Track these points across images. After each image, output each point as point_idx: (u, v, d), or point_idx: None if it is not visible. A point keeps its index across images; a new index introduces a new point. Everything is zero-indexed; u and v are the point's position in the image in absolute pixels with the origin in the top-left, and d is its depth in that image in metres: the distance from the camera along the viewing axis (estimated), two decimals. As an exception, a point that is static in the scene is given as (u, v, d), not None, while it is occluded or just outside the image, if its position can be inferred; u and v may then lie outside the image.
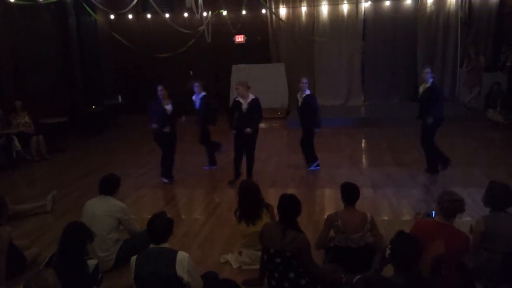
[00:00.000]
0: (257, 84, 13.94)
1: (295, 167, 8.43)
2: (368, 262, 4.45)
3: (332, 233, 4.53)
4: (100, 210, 4.67)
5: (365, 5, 14.15)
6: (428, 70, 7.35)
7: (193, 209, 6.79)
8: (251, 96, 7.31)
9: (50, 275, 2.90)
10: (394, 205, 6.37)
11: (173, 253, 3.48)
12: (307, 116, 7.82)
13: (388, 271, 3.50)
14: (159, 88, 7.48)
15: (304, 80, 7.70)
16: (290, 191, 6.22)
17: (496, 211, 4.15)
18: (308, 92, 7.77)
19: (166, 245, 3.56)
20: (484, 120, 11.18)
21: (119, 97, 14.38)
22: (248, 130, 7.17)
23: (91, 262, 3.80)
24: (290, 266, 3.75)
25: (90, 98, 12.98)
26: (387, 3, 14.01)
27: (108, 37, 13.43)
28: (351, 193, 4.49)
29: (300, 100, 7.85)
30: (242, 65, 14.21)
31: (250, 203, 4.67)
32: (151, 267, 3.41)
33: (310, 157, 8.17)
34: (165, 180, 7.75)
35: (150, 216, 3.66)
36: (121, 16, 14.18)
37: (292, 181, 7.66)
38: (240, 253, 4.80)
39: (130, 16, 14.97)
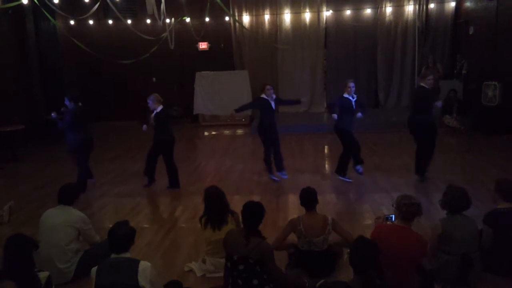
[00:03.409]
0: (221, 91, 14.04)
1: (260, 174, 8.46)
2: (332, 266, 4.53)
3: (295, 238, 4.59)
4: (59, 220, 4.53)
5: (326, 14, 14.41)
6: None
7: (157, 217, 6.71)
8: (158, 108, 7.42)
9: (9, 287, 2.81)
10: (356, 210, 6.49)
11: (135, 262, 3.42)
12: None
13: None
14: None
15: (351, 84, 7.43)
16: (254, 198, 6.30)
17: (453, 214, 4.30)
18: (346, 95, 7.48)
19: (127, 254, 3.49)
20: (441, 126, 11.53)
21: (80, 104, 14.01)
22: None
23: (43, 274, 3.68)
24: (253, 272, 3.76)
25: (49, 105, 12.60)
26: (348, 12, 14.32)
27: (69, 43, 13.10)
28: (309, 198, 4.59)
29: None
30: (205, 72, 14.21)
31: (216, 209, 4.67)
32: (112, 278, 3.34)
33: (340, 164, 7.81)
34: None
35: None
36: (81, 22, 13.91)
37: (256, 188, 7.68)
38: (204, 261, 4.77)
39: (91, 22, 14.71)
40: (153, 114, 7.42)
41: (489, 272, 4.36)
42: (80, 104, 7.59)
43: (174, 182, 7.79)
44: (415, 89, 7.52)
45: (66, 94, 7.53)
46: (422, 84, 7.36)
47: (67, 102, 7.46)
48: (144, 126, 7.56)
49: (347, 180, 7.73)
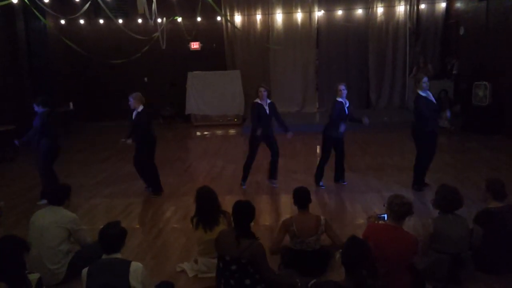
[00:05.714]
0: (214, 91, 14.01)
1: (252, 174, 8.41)
2: (324, 265, 4.53)
3: (287, 238, 4.59)
4: (48, 221, 4.49)
5: (318, 14, 14.45)
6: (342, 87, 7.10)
7: (148, 218, 6.67)
8: (139, 108, 7.10)
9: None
10: (348, 209, 6.51)
11: (126, 263, 3.40)
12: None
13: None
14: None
15: (342, 86, 7.08)
16: (247, 198, 6.28)
17: (445, 213, 4.32)
18: (339, 99, 7.16)
19: (118, 255, 3.48)
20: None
21: (70, 104, 13.94)
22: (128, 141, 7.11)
23: (33, 276, 3.64)
24: (246, 273, 3.75)
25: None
26: (339, 13, 14.36)
27: (59, 42, 13.03)
28: (303, 197, 4.60)
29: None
30: (197, 72, 14.18)
31: (208, 209, 4.65)
32: (103, 279, 3.31)
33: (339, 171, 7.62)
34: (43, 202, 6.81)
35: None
36: (72, 22, 13.81)
37: (248, 188, 7.66)
38: (196, 261, 4.76)
39: (82, 22, 14.61)
40: (133, 114, 7.12)
41: (480, 271, 4.39)
42: (49, 109, 7.10)
43: (156, 187, 7.45)
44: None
45: (35, 101, 6.96)
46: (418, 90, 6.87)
47: (36, 109, 6.95)
48: (129, 141, 7.11)
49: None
